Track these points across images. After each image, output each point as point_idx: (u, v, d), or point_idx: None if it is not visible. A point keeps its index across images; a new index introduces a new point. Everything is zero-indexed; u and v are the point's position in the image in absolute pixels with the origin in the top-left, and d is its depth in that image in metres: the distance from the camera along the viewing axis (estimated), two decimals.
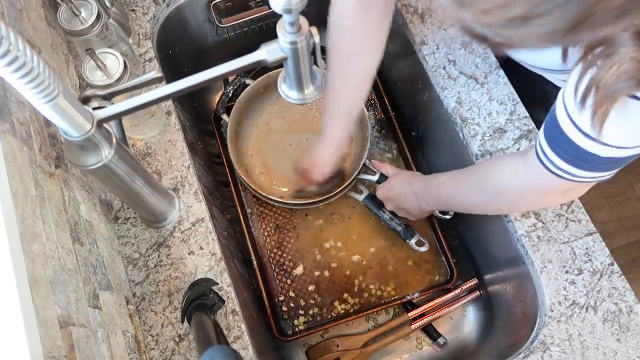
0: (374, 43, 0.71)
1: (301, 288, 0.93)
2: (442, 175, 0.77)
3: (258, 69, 1.02)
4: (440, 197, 0.78)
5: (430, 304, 0.90)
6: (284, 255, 0.95)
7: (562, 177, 0.54)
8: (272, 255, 0.95)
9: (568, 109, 0.49)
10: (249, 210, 0.97)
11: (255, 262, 0.90)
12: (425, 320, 0.90)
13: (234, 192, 0.95)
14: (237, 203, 0.94)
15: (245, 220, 0.94)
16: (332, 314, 0.91)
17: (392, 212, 0.92)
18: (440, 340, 0.89)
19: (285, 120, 1.00)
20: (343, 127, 0.80)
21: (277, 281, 0.93)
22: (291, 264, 0.94)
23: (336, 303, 0.91)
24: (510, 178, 0.63)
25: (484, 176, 0.68)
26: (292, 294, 0.92)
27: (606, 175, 0.53)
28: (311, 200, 0.88)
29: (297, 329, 0.90)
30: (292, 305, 0.92)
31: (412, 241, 0.91)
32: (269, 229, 0.97)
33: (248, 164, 0.96)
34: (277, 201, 0.89)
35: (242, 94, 0.95)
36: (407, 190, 0.84)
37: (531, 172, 0.58)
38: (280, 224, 0.96)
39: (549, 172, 0.54)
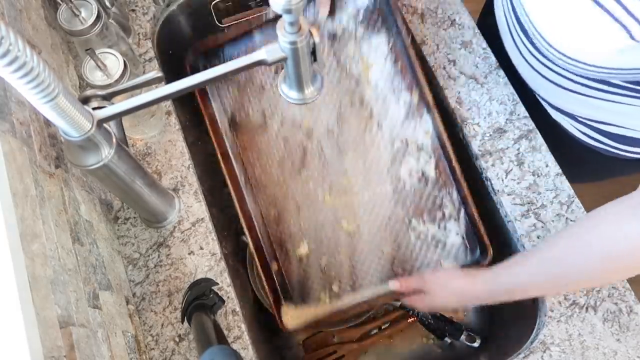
0: None
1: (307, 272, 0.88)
2: (511, 266, 0.62)
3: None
4: (517, 293, 0.62)
5: None
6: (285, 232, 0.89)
7: None
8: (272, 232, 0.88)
9: None
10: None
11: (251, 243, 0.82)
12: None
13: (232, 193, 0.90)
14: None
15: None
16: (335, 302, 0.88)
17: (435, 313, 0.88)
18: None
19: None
20: None
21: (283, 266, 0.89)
22: (293, 245, 0.91)
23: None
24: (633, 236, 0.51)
25: (587, 246, 0.54)
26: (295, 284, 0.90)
27: None
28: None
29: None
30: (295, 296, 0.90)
31: (462, 338, 0.86)
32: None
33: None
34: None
35: None
36: (456, 299, 0.69)
37: None
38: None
39: None
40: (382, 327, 0.91)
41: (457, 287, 0.68)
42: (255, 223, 0.79)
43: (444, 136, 0.77)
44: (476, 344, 0.85)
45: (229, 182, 0.78)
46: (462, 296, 0.68)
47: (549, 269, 0.57)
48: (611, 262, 0.53)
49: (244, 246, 0.90)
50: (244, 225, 0.77)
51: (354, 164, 0.81)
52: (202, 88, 0.88)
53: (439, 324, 0.88)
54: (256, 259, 0.76)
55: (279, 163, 0.82)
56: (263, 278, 0.76)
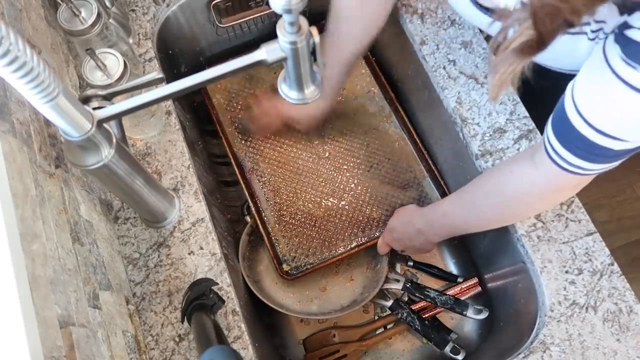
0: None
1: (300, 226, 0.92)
2: (441, 203, 0.76)
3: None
4: (450, 226, 0.75)
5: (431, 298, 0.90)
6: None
7: (576, 173, 0.54)
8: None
9: (578, 106, 0.49)
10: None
11: (253, 208, 0.90)
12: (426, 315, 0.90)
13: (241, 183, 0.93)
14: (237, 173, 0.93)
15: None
16: (334, 251, 0.90)
17: (425, 319, 0.89)
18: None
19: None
20: (343, 73, 0.81)
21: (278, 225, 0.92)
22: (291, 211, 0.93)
23: (337, 242, 0.91)
24: (523, 184, 0.62)
25: (492, 190, 0.66)
26: (294, 235, 0.91)
27: (616, 163, 0.53)
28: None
29: (300, 267, 0.88)
30: (292, 245, 0.90)
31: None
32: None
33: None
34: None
35: None
36: (409, 230, 0.81)
37: (544, 173, 0.58)
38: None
39: (563, 170, 0.54)
40: (383, 328, 0.91)
41: (408, 222, 0.81)
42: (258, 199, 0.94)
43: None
44: (460, 357, 0.85)
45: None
46: (413, 227, 0.80)
47: (469, 211, 0.70)
48: (519, 202, 0.64)
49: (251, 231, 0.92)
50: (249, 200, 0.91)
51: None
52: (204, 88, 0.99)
53: (426, 330, 0.88)
54: (258, 221, 0.89)
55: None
56: (266, 240, 0.88)
